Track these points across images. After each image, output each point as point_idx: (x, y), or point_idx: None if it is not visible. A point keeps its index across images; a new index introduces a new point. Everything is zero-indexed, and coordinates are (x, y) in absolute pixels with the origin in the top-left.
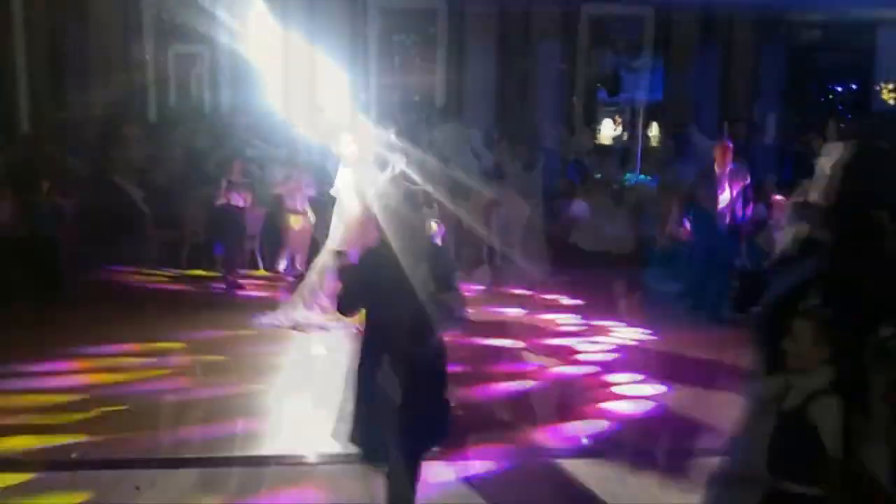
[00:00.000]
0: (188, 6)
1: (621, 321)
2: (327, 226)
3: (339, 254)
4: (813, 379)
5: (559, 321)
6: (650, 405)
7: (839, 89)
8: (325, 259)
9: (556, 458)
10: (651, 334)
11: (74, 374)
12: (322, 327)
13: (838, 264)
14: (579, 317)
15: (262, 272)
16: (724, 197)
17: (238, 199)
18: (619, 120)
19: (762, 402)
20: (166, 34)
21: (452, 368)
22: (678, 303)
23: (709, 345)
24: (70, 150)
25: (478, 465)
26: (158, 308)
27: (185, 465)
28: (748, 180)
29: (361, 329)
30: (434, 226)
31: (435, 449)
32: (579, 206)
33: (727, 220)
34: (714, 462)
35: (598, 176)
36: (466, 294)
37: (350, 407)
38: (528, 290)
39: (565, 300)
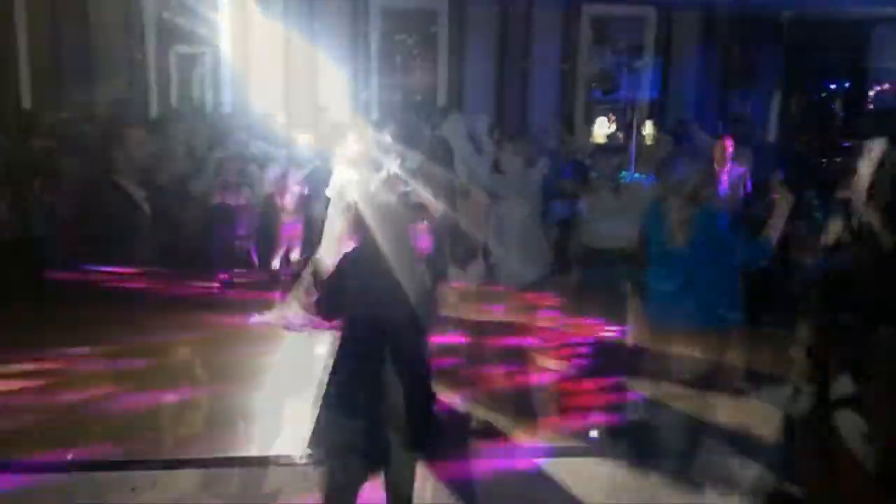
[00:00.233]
0: (190, 7)
1: (617, 320)
2: (322, 226)
3: (316, 260)
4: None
5: (552, 319)
6: (649, 405)
7: (833, 87)
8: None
9: (554, 459)
10: (647, 333)
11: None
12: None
13: (879, 260)
14: (575, 316)
15: (256, 271)
16: (726, 195)
17: (232, 199)
18: (612, 118)
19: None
20: (168, 34)
21: (447, 367)
22: (680, 303)
23: (710, 345)
24: (70, 149)
25: (477, 465)
26: (144, 308)
27: (185, 466)
28: (748, 178)
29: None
30: (424, 225)
31: (424, 451)
32: (580, 205)
33: (730, 218)
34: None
35: (594, 175)
36: (459, 289)
37: (320, 413)
38: (523, 287)
39: (563, 299)
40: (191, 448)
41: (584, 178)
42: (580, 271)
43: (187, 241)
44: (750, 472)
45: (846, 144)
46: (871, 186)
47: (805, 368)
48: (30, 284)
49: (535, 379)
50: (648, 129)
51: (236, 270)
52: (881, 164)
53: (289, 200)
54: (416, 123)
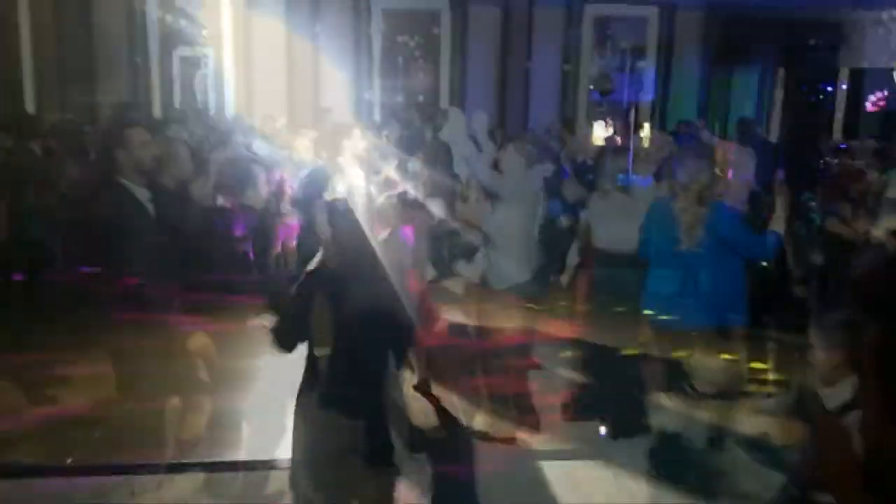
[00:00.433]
0: (192, 9)
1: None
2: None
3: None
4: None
5: (551, 321)
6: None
7: (829, 89)
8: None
9: (553, 460)
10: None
11: None
12: None
13: None
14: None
15: (254, 274)
16: (732, 195)
17: (233, 200)
18: (609, 122)
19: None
20: (171, 37)
21: (446, 367)
22: (685, 304)
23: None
24: (72, 150)
25: (477, 465)
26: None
27: (187, 469)
28: (753, 178)
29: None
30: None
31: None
32: (580, 206)
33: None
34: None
35: (591, 176)
36: (454, 291)
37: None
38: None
39: (560, 300)
40: (192, 452)
41: (586, 178)
42: (581, 273)
43: (187, 243)
44: (768, 478)
45: (843, 146)
46: None
47: (826, 372)
48: (27, 287)
49: (527, 380)
50: (646, 130)
51: (233, 273)
52: None
53: (288, 203)
54: (419, 127)
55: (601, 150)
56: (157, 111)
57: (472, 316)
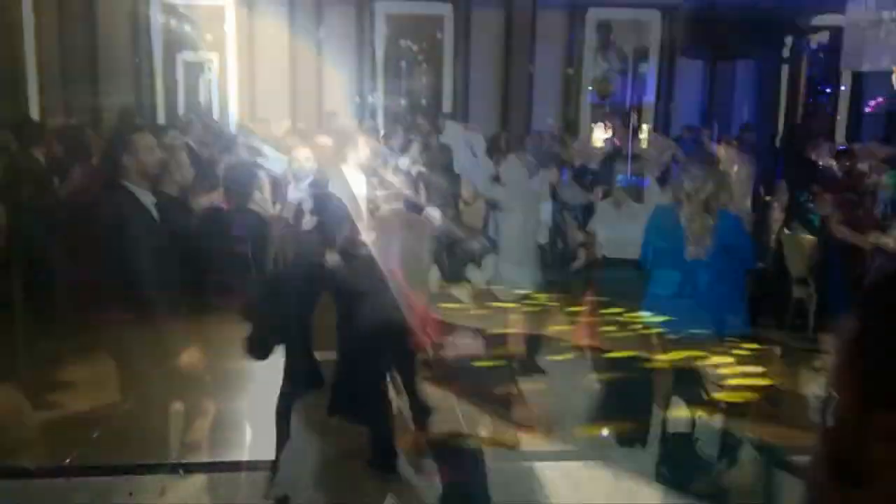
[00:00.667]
0: (196, 14)
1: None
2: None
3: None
4: None
5: (556, 326)
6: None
7: (828, 91)
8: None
9: (553, 460)
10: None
11: None
12: None
13: None
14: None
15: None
16: (734, 202)
17: (236, 205)
18: (608, 125)
19: None
20: (175, 42)
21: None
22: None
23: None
24: (75, 155)
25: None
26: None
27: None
28: (755, 183)
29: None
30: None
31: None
32: (582, 210)
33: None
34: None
35: (590, 176)
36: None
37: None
38: (523, 294)
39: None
40: (193, 454)
41: (590, 182)
42: (587, 279)
43: (189, 246)
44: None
45: (842, 148)
46: None
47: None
48: (30, 291)
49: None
50: (645, 131)
51: (231, 276)
52: None
53: (290, 207)
54: (423, 132)
55: (606, 155)
56: (161, 116)
57: (478, 321)
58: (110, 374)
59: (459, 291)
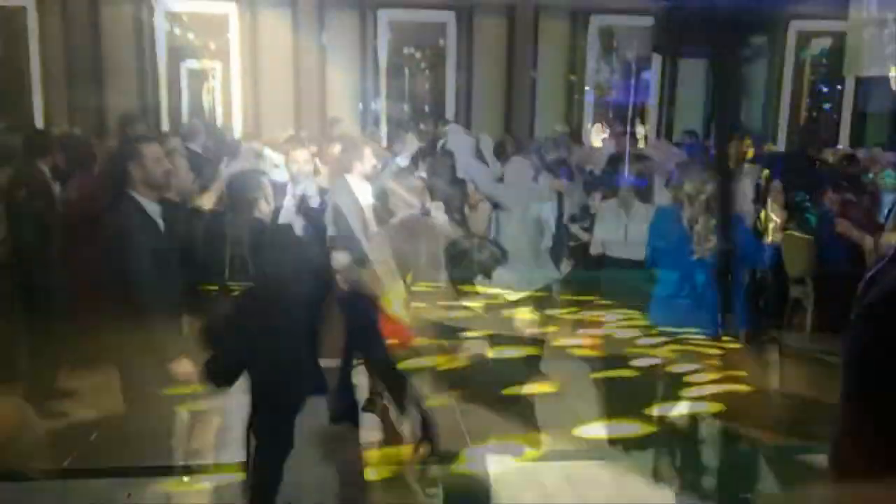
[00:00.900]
0: (200, 22)
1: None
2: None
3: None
4: None
5: (560, 329)
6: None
7: (825, 90)
8: None
9: (553, 460)
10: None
11: None
12: None
13: None
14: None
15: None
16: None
17: (240, 212)
18: (605, 126)
19: None
20: (178, 50)
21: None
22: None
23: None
24: (79, 165)
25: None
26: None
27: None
28: (758, 185)
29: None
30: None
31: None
32: (587, 213)
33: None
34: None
35: (590, 177)
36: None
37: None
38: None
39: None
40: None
41: (593, 183)
42: (591, 281)
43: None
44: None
45: (840, 148)
46: None
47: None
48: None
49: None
50: (651, 136)
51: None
52: None
53: (292, 213)
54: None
55: (610, 158)
56: (164, 124)
57: (483, 327)
58: (113, 382)
59: (468, 297)
